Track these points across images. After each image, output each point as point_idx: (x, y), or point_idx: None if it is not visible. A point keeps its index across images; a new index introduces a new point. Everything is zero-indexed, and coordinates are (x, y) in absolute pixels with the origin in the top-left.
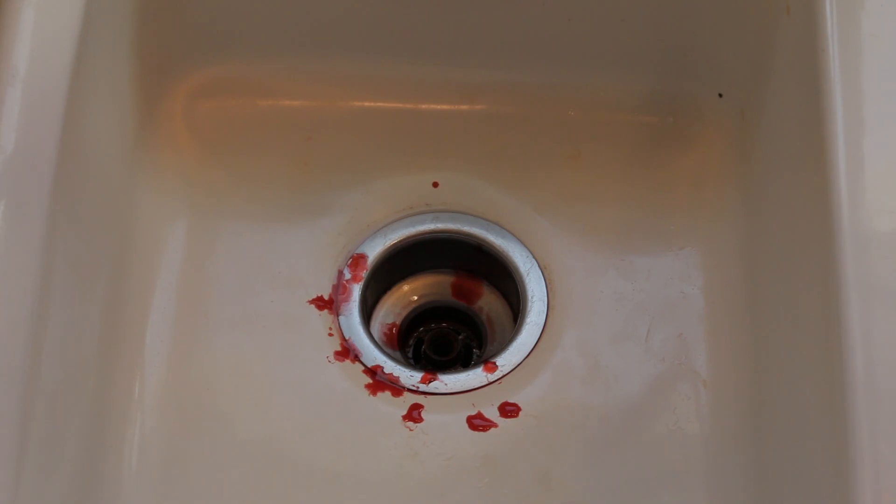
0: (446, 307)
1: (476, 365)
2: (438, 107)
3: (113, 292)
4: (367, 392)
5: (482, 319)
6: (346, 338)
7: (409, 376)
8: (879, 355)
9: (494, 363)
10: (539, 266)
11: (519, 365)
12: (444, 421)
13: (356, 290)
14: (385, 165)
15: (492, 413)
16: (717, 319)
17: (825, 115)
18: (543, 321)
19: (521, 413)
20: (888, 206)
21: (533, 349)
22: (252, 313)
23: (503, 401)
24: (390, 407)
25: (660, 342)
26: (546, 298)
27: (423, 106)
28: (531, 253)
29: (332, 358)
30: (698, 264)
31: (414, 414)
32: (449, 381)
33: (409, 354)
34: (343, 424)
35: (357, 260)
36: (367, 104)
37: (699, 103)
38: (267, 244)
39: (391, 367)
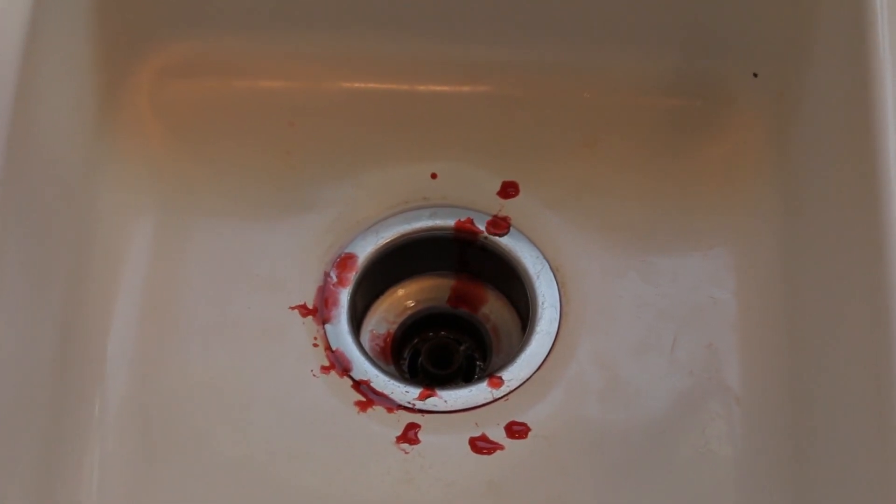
0: (446, 314)
1: (479, 379)
2: (437, 88)
3: (70, 299)
4: (356, 410)
5: (486, 328)
6: (334, 349)
7: (405, 392)
8: None
9: (500, 377)
10: (550, 268)
11: (528, 379)
12: (443, 442)
13: (344, 295)
14: (377, 155)
15: (497, 433)
16: (752, 328)
17: (874, 97)
18: (555, 330)
19: (530, 433)
20: None
21: (544, 361)
22: (227, 321)
23: (510, 420)
24: (383, 427)
25: (687, 353)
26: (558, 304)
27: (420, 87)
28: (542, 253)
29: (317, 371)
30: (730, 266)
31: (409, 434)
32: (449, 398)
33: (405, 367)
34: (329, 446)
35: (345, 261)
36: (356, 85)
37: (731, 84)
38: (244, 243)
39: (384, 381)
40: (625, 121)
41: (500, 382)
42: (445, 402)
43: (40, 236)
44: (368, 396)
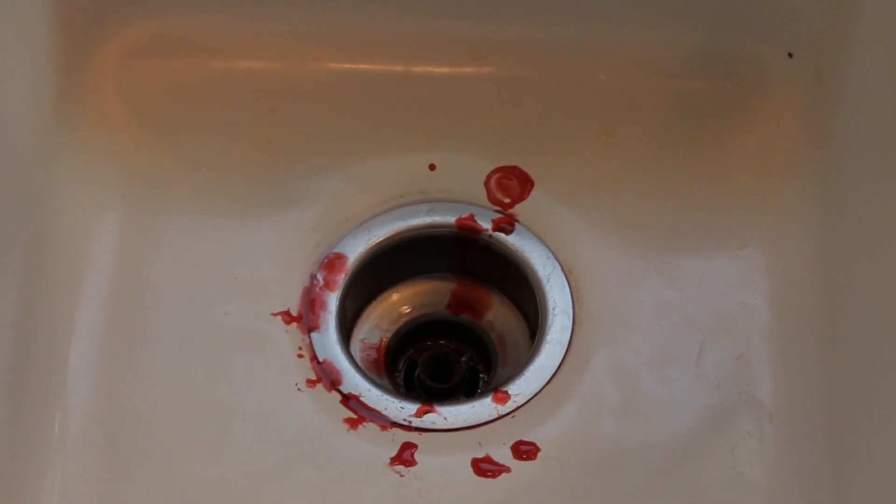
0: (445, 321)
1: (483, 394)
2: (436, 69)
3: (27, 304)
4: (346, 428)
5: (490, 337)
6: (321, 360)
7: (400, 408)
8: None
9: (506, 392)
10: (562, 269)
11: (537, 394)
12: (443, 464)
13: (333, 300)
14: (369, 143)
15: (503, 454)
16: (787, 336)
17: None
18: (568, 339)
19: (539, 454)
20: None
21: (554, 374)
22: (202, 329)
23: (517, 439)
24: (376, 446)
25: (714, 365)
26: (571, 310)
27: (417, 68)
28: (552, 253)
29: (302, 385)
30: (762, 268)
31: (405, 455)
32: (449, 415)
33: (400, 381)
34: (316, 468)
35: (334, 262)
36: (346, 66)
37: (763, 65)
38: (221, 242)
39: (377, 396)
40: (645, 106)
41: (506, 397)
42: (445, 419)
43: None
44: (359, 413)
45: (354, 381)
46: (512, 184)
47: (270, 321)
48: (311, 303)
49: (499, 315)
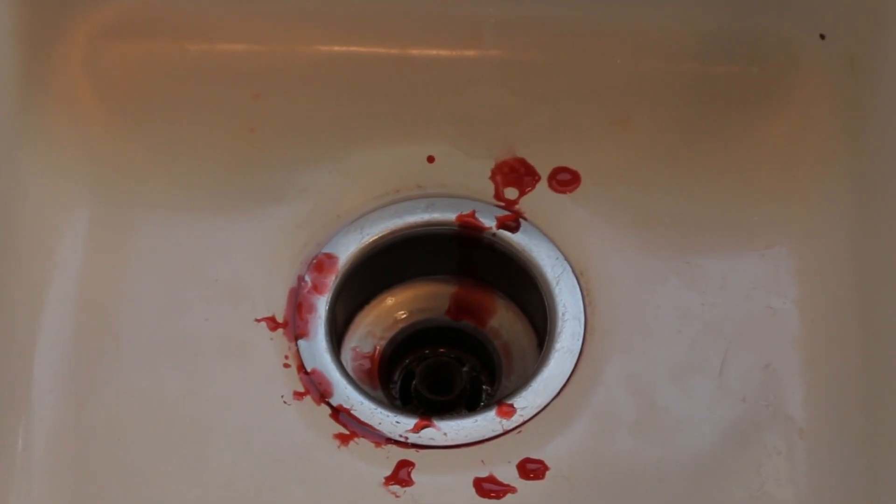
0: (445, 328)
1: (487, 407)
2: (435, 52)
3: None
4: (336, 444)
5: (495, 345)
6: (309, 370)
7: (395, 423)
8: None
9: (512, 405)
10: (573, 271)
11: (545, 407)
12: (442, 484)
13: (322, 305)
14: (361, 133)
15: (508, 473)
16: (818, 345)
17: None
18: (579, 347)
19: (547, 473)
20: None
21: (564, 386)
22: (179, 336)
23: (524, 457)
24: (369, 464)
25: (739, 376)
26: (583, 316)
27: (414, 51)
28: (562, 253)
29: (288, 397)
30: (791, 269)
31: (401, 474)
32: (449, 430)
33: (396, 393)
34: (304, 488)
35: (323, 263)
36: (336, 49)
37: (793, 48)
38: (200, 241)
39: (370, 409)
40: (664, 92)
41: (512, 411)
42: (445, 434)
43: None
44: (351, 428)
45: (346, 394)
46: (518, 178)
47: (254, 328)
48: (299, 307)
49: (503, 321)
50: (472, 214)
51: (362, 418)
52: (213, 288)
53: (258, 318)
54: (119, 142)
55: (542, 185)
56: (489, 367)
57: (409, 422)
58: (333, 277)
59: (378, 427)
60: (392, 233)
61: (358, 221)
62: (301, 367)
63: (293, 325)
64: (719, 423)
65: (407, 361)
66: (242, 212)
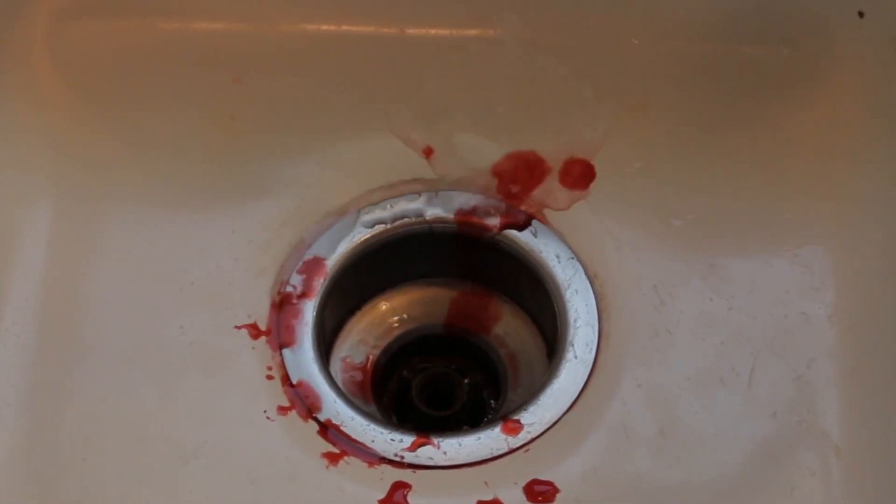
0: (445, 336)
1: (491, 423)
2: (433, 32)
3: None
4: (325, 464)
5: (499, 354)
6: (294, 382)
7: (390, 440)
8: None
9: (518, 421)
10: (586, 273)
11: (556, 423)
12: None
13: (309, 311)
14: (352, 122)
15: (514, 496)
16: (856, 354)
17: None
18: (593, 357)
19: (558, 496)
20: None
21: (577, 399)
22: (152, 345)
23: (531, 478)
24: (361, 486)
25: (769, 389)
26: (597, 322)
27: (411, 31)
28: (574, 254)
29: (272, 412)
30: (827, 271)
31: (397, 497)
32: (450, 448)
33: (390, 407)
34: None
35: (310, 265)
36: (324, 28)
37: (829, 26)
38: (175, 240)
39: (362, 426)
40: (686, 75)
41: (518, 427)
42: (445, 453)
43: None
44: (341, 446)
45: (335, 408)
46: (525, 170)
47: (234, 335)
48: (283, 314)
49: (509, 328)
50: (475, 211)
51: (353, 435)
52: (188, 292)
53: (238, 324)
54: (85, 131)
55: (553, 179)
56: (493, 379)
57: (405, 439)
58: (322, 280)
59: (371, 445)
60: (386, 231)
61: (348, 218)
62: (286, 379)
63: (277, 332)
64: (747, 440)
65: (403, 373)
66: (221, 208)
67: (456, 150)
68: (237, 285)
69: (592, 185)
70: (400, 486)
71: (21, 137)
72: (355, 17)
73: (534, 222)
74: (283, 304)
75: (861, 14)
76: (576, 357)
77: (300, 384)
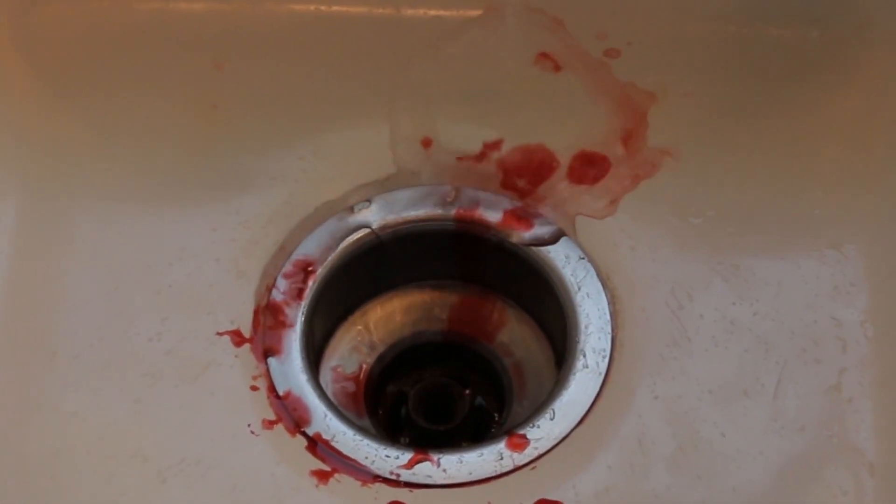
0: (445, 344)
1: (494, 438)
2: (434, 12)
3: None
4: (314, 482)
5: (504, 364)
6: (281, 393)
7: (385, 457)
8: None
9: (524, 436)
10: (598, 275)
11: (565, 438)
12: None
13: (297, 316)
14: (343, 110)
15: None
16: (892, 364)
17: None
18: (605, 367)
19: None
20: None
21: (588, 413)
22: (126, 353)
23: (539, 497)
24: None
25: (797, 401)
26: (610, 329)
27: (407, 11)
28: (586, 254)
29: (256, 427)
30: (861, 273)
31: None
32: (449, 466)
33: (385, 421)
34: None
35: (298, 267)
36: (313, 8)
37: (863, 5)
38: (151, 240)
39: (354, 441)
40: (706, 60)
41: (524, 443)
42: (444, 471)
43: None
44: (332, 463)
45: (325, 422)
46: (532, 164)
47: (215, 343)
48: (269, 319)
49: (515, 336)
50: (476, 208)
51: (345, 451)
52: (165, 295)
53: (220, 331)
54: (53, 121)
55: (562, 173)
56: (497, 391)
57: (401, 456)
58: (310, 283)
59: (364, 462)
60: (380, 230)
61: (339, 216)
62: (272, 391)
63: (262, 339)
64: (773, 457)
65: (399, 384)
66: (202, 204)
67: (456, 142)
68: (218, 288)
69: (605, 179)
70: None
71: None
72: None
73: (541, 220)
74: (269, 309)
75: None
76: (587, 366)
77: (287, 396)
